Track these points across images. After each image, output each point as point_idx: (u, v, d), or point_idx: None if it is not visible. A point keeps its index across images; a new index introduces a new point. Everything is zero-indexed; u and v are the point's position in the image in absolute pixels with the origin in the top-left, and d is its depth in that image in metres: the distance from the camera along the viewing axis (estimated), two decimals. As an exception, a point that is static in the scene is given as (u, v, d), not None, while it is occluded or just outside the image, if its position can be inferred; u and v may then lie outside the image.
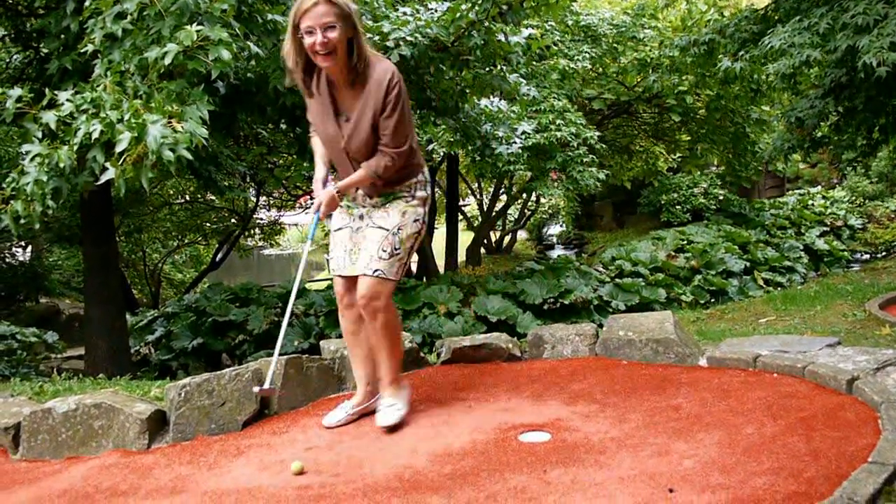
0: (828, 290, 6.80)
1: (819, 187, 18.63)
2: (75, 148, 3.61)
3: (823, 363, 3.46)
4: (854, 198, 16.95)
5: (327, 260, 3.30)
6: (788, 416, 2.93)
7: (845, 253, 14.39)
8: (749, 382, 3.40)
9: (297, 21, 2.90)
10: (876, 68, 5.13)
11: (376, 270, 3.13)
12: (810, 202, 16.54)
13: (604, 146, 12.15)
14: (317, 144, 3.29)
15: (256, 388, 3.17)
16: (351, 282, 3.26)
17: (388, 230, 3.17)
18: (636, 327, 4.01)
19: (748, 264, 11.88)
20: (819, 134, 8.05)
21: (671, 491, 2.39)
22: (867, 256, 15.06)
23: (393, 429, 3.16)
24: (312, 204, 3.18)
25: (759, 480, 2.38)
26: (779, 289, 10.60)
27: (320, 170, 3.25)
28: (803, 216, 15.32)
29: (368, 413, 3.34)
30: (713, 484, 2.40)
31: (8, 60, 7.99)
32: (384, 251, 3.14)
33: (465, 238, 16.73)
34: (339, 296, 3.34)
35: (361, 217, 3.26)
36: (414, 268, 14.71)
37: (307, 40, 2.90)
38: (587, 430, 3.01)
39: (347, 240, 3.28)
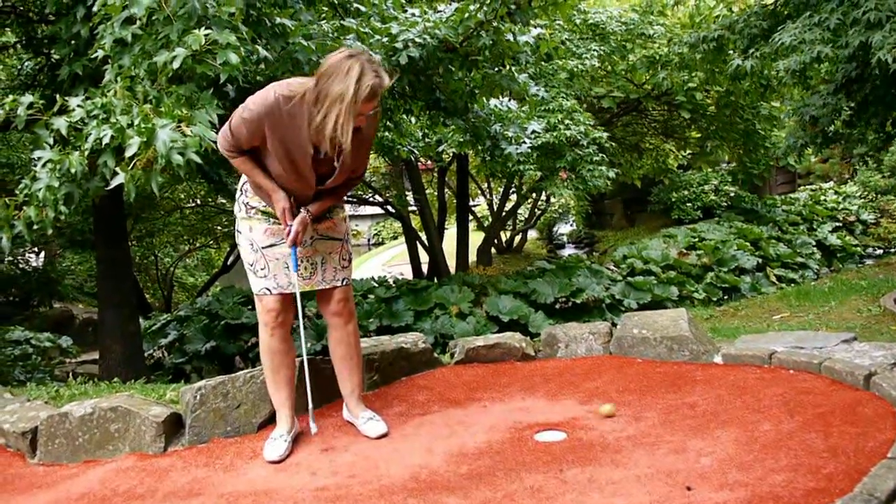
0: (842, 286, 6.76)
1: (831, 182, 18.53)
2: (86, 153, 3.63)
3: (840, 359, 3.44)
4: (866, 192, 16.84)
5: (252, 271, 3.08)
6: (805, 412, 2.90)
7: (858, 248, 14.32)
8: (765, 379, 3.38)
9: (368, 101, 2.70)
10: (890, 64, 5.10)
11: (345, 279, 3.24)
12: (822, 198, 16.45)
13: (614, 144, 12.12)
14: (256, 170, 2.96)
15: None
16: (290, 298, 3.16)
17: (341, 239, 3.22)
18: (650, 325, 3.99)
19: (760, 261, 11.84)
20: (831, 130, 8.01)
21: (689, 489, 2.37)
22: (880, 251, 14.97)
23: (385, 434, 3.16)
24: (288, 234, 2.99)
25: (778, 477, 2.37)
26: (792, 285, 10.55)
27: (283, 197, 2.97)
28: (815, 212, 15.24)
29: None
30: (731, 481, 2.38)
31: (19, 67, 8.04)
32: (344, 259, 3.25)
33: (475, 238, 16.72)
34: (273, 313, 3.12)
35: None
36: (424, 269, 14.73)
37: (353, 121, 2.69)
38: (603, 428, 3.00)
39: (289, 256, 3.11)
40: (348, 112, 2.65)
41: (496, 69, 6.39)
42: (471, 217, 17.30)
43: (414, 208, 15.82)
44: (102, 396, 3.68)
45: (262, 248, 3.11)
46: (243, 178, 3.13)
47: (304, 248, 3.13)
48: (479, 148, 8.89)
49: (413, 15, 5.76)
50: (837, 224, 15.26)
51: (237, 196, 3.17)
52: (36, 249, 14.55)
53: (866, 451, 2.48)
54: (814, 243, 13.48)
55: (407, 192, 16.54)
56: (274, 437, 3.11)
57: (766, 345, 3.90)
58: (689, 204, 15.51)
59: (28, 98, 3.75)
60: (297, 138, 2.84)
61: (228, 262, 16.27)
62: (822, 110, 6.89)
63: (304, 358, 3.16)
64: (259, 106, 2.80)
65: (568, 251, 19.82)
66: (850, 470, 2.35)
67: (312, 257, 3.17)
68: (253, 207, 3.11)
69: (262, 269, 3.12)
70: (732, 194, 15.58)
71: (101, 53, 3.91)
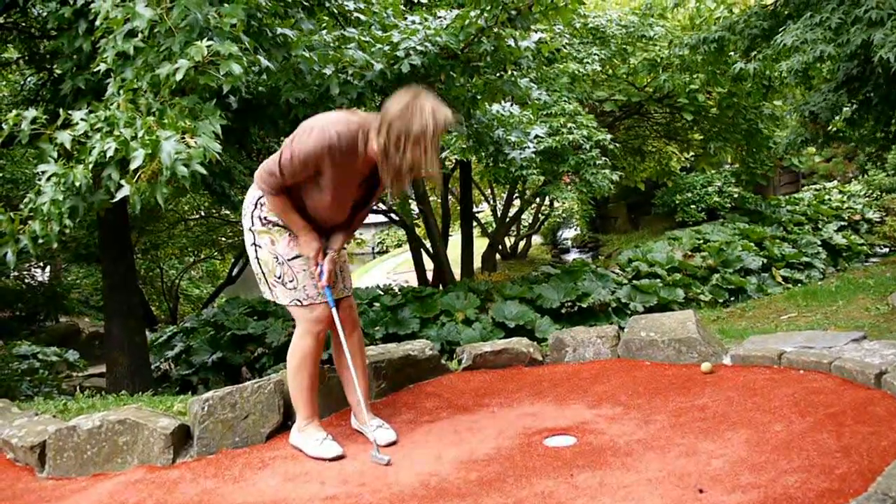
0: (848, 285, 6.73)
1: (835, 182, 18.47)
2: (90, 167, 3.63)
3: (850, 358, 3.42)
4: (871, 191, 16.79)
5: (279, 283, 3.06)
6: (817, 412, 2.89)
7: (864, 247, 14.25)
8: (775, 380, 3.36)
9: (441, 133, 2.83)
10: (892, 62, 5.09)
11: (350, 288, 3.38)
12: (827, 197, 16.39)
13: (617, 146, 12.11)
14: (289, 208, 3.04)
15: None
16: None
17: (336, 251, 3.26)
18: (658, 328, 3.98)
19: (765, 261, 11.80)
20: (833, 128, 7.99)
21: (701, 491, 2.36)
22: (886, 250, 14.91)
23: (395, 442, 3.17)
24: (320, 274, 3.09)
25: (791, 478, 2.35)
26: (798, 285, 10.52)
27: (315, 238, 3.09)
28: (820, 211, 15.19)
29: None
30: (744, 483, 2.37)
31: (22, 83, 8.08)
32: (347, 268, 3.39)
33: (479, 244, 16.71)
34: (324, 323, 3.16)
35: None
36: (430, 276, 14.71)
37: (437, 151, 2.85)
38: (612, 432, 2.99)
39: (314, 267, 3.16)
40: (433, 144, 2.80)
41: (498, 75, 6.39)
42: (475, 223, 17.29)
43: (418, 216, 15.82)
44: (110, 409, 3.67)
45: (288, 260, 3.13)
46: (257, 194, 3.13)
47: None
48: (482, 154, 8.89)
49: (413, 23, 5.76)
50: (843, 223, 15.19)
51: (250, 210, 3.16)
52: (42, 264, 14.58)
53: (879, 450, 2.46)
54: (819, 243, 13.42)
55: (410, 200, 16.55)
56: (319, 439, 3.11)
57: (774, 345, 3.88)
58: (692, 206, 15.46)
59: (32, 113, 3.76)
60: (350, 170, 2.96)
61: (234, 273, 16.28)
62: (822, 105, 6.88)
63: (352, 368, 3.21)
64: (320, 147, 2.86)
65: (572, 255, 19.78)
66: (864, 470, 2.33)
67: (333, 269, 3.22)
68: (270, 221, 3.13)
69: (290, 282, 3.14)
70: (736, 195, 15.53)
71: (103, 67, 3.92)
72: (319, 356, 3.21)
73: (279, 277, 3.14)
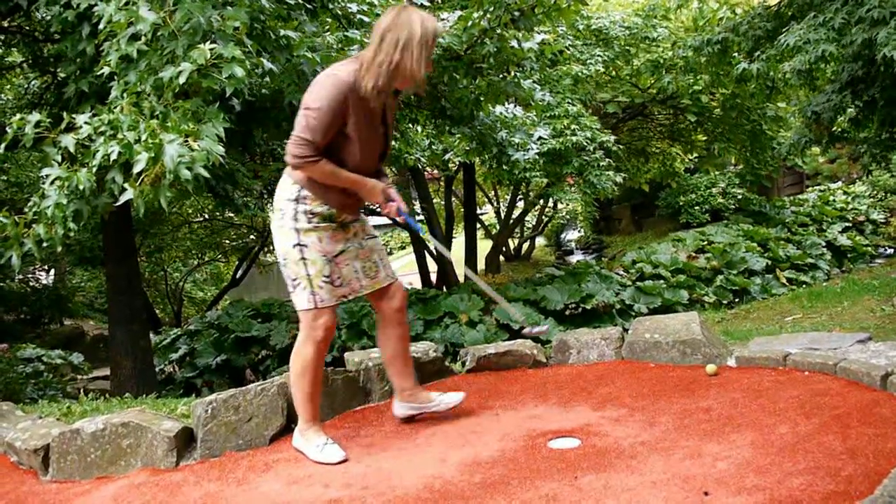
0: (853, 286, 6.72)
1: (839, 183, 18.43)
2: (94, 170, 3.63)
3: (855, 359, 3.41)
4: (875, 192, 16.75)
5: (328, 283, 3.04)
6: (822, 414, 2.88)
7: (869, 248, 14.20)
8: (780, 381, 3.35)
9: (432, 40, 2.94)
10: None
11: (396, 273, 3.34)
12: (831, 198, 16.35)
13: (621, 147, 12.10)
14: (331, 165, 2.99)
15: (526, 329, 3.39)
16: (377, 294, 3.26)
17: (377, 238, 3.30)
18: (662, 329, 3.97)
19: (770, 262, 11.77)
20: (838, 129, 7.97)
21: (706, 494, 2.35)
22: (891, 251, 14.87)
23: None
24: (392, 207, 3.13)
25: (796, 481, 2.34)
26: (803, 286, 10.49)
27: (371, 180, 3.08)
28: (824, 212, 15.15)
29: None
30: (749, 486, 2.36)
31: (26, 86, 8.10)
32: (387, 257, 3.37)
33: (483, 246, 16.71)
34: (332, 330, 3.15)
35: (356, 234, 3.19)
36: (433, 278, 14.72)
37: (426, 61, 2.93)
38: (617, 434, 2.98)
39: (355, 259, 3.16)
40: (421, 49, 2.88)
41: (501, 76, 6.39)
42: (478, 225, 17.29)
43: (421, 218, 15.82)
44: (114, 412, 3.67)
45: (334, 257, 3.09)
46: (295, 188, 3.03)
47: (361, 250, 3.19)
48: (486, 155, 8.89)
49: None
50: (847, 224, 15.14)
51: (291, 208, 3.04)
52: (46, 267, 14.62)
53: (885, 452, 2.45)
54: (824, 244, 13.38)
55: (414, 202, 16.55)
56: (319, 444, 3.10)
57: (779, 347, 3.87)
58: (696, 207, 15.44)
59: (35, 116, 3.76)
60: (368, 111, 2.98)
61: (237, 276, 16.29)
62: (825, 106, 6.86)
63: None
64: (334, 90, 2.88)
65: (576, 257, 19.76)
66: (870, 472, 2.32)
67: (371, 257, 3.22)
68: (316, 214, 3.03)
69: (338, 279, 3.11)
70: (740, 197, 15.51)
71: (106, 70, 3.91)
72: (322, 362, 3.17)
73: (328, 276, 3.07)
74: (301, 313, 3.12)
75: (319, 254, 3.05)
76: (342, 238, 3.12)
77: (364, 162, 3.05)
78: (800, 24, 5.98)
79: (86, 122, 3.70)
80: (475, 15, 5.56)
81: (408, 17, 2.89)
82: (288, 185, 3.05)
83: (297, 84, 5.08)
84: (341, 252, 3.11)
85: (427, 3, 6.94)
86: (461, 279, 13.15)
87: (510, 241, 19.58)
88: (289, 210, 3.03)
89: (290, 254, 3.06)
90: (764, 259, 11.70)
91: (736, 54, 8.15)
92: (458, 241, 16.60)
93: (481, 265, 15.68)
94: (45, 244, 3.78)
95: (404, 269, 21.61)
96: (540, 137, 9.16)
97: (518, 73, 6.60)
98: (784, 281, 11.40)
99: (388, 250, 30.05)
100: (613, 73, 13.21)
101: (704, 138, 14.79)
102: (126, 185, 3.56)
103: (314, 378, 3.15)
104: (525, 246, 20.67)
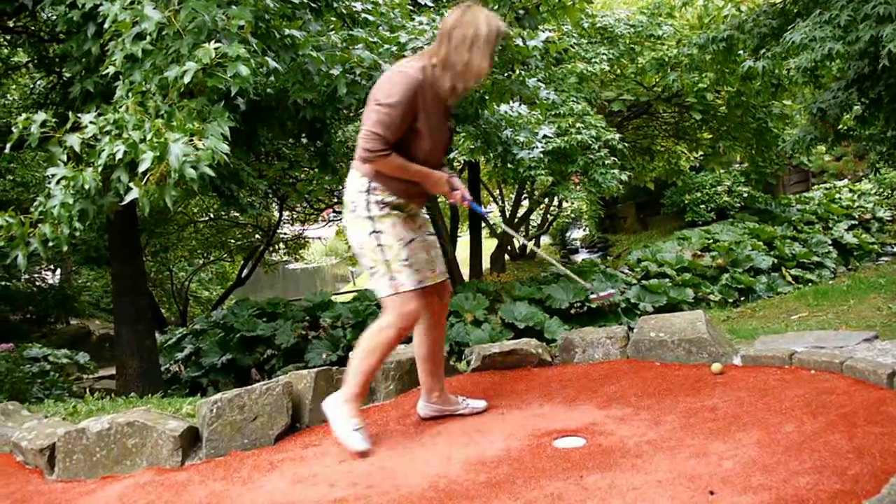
0: (860, 284, 6.69)
1: (845, 180, 18.38)
2: (100, 169, 3.64)
3: (862, 358, 3.39)
4: (882, 190, 16.70)
5: (407, 266, 3.11)
6: (829, 412, 2.86)
7: (875, 246, 14.18)
8: (786, 380, 3.33)
9: (495, 39, 3.01)
10: (901, 55, 5.06)
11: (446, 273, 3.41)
12: (837, 196, 16.31)
13: (626, 146, 12.08)
14: (401, 159, 3.05)
15: (593, 295, 3.49)
16: (431, 289, 3.28)
17: (435, 235, 3.37)
18: (667, 328, 3.96)
19: (775, 261, 11.75)
20: (844, 127, 7.94)
21: (712, 493, 2.34)
22: (898, 249, 14.83)
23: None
24: (458, 195, 3.23)
25: (803, 480, 2.33)
26: (809, 285, 10.46)
27: (430, 170, 3.15)
28: (830, 210, 15.12)
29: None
30: (755, 485, 2.35)
31: (32, 86, 8.12)
32: None
33: (488, 245, 16.70)
34: (412, 320, 3.15)
35: (420, 227, 3.28)
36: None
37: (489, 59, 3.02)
38: (622, 433, 2.97)
39: (421, 250, 3.23)
40: (487, 47, 2.97)
41: (506, 74, 6.38)
42: (483, 224, 17.29)
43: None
44: (119, 411, 3.68)
45: (408, 243, 3.14)
46: (364, 181, 3.10)
47: (425, 243, 3.25)
48: (491, 154, 8.88)
49: (421, 23, 5.76)
50: (853, 222, 15.11)
51: (363, 199, 3.10)
52: (52, 267, 14.66)
53: (892, 451, 2.44)
54: (830, 242, 13.36)
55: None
56: (352, 425, 3.11)
57: (785, 345, 3.86)
58: (702, 206, 15.42)
59: (41, 116, 3.77)
60: (436, 107, 3.07)
61: (243, 275, 16.31)
62: (831, 102, 6.83)
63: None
64: (406, 87, 2.95)
65: (581, 256, 19.77)
66: (877, 471, 2.31)
67: (430, 252, 3.28)
68: (387, 203, 3.10)
69: (415, 263, 3.15)
70: (746, 195, 15.47)
71: (112, 70, 3.92)
72: (394, 348, 3.22)
73: (406, 259, 3.11)
74: (386, 300, 3.13)
75: (395, 238, 3.10)
76: (412, 227, 3.21)
77: (432, 155, 3.14)
78: (805, 21, 5.96)
79: (91, 122, 3.71)
80: (480, 13, 5.55)
81: (473, 16, 2.97)
82: (357, 178, 3.13)
83: (302, 83, 5.08)
84: (412, 240, 3.18)
85: (430, 3, 6.95)
86: (466, 278, 13.15)
87: (515, 239, 19.56)
88: (361, 201, 3.11)
89: (366, 243, 3.12)
90: (770, 257, 11.68)
91: (741, 52, 8.13)
92: (464, 240, 16.59)
93: (486, 264, 15.67)
94: (50, 244, 3.79)
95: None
96: (545, 136, 9.13)
97: (523, 72, 6.57)
98: (790, 279, 11.38)
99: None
100: (618, 71, 13.19)
101: (710, 136, 14.76)
102: (131, 185, 3.57)
103: (380, 360, 3.19)
104: (530, 244, 20.65)
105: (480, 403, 3.45)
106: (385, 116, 2.94)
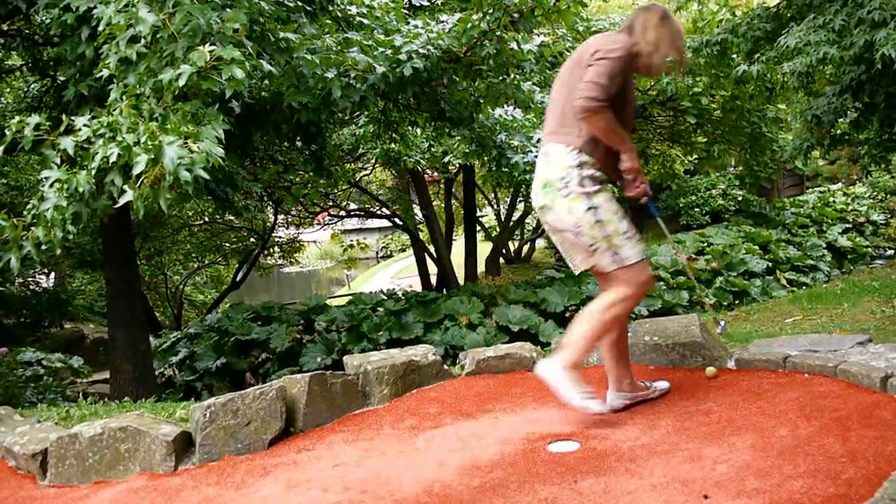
0: (854, 288, 6.69)
1: (839, 184, 18.43)
2: (93, 172, 3.62)
3: (855, 361, 3.39)
4: (875, 193, 16.75)
5: (628, 239, 3.12)
6: (822, 416, 2.87)
7: (869, 249, 14.20)
8: (780, 384, 3.34)
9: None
10: (895, 58, 5.07)
11: None
12: (831, 199, 16.35)
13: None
14: (616, 123, 3.08)
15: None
16: None
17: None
18: (662, 332, 3.96)
19: (770, 264, 11.76)
20: (838, 131, 7.96)
21: (706, 497, 2.34)
22: (891, 252, 14.86)
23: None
24: (644, 186, 3.26)
25: (796, 483, 2.33)
26: (803, 288, 10.47)
27: (636, 151, 3.21)
28: (824, 214, 15.15)
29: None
30: (749, 489, 2.35)
31: (26, 90, 8.10)
32: None
33: (483, 249, 16.69)
34: (648, 286, 3.20)
35: None
36: (433, 280, 14.71)
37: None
38: (616, 437, 2.97)
39: (631, 223, 3.20)
40: (674, 42, 3.17)
41: (500, 78, 6.39)
42: (478, 228, 17.29)
43: (421, 220, 15.83)
44: (112, 416, 3.67)
45: (623, 216, 3.13)
46: (573, 154, 3.09)
47: (628, 218, 3.22)
48: (485, 158, 8.88)
49: (416, 27, 5.76)
50: (847, 225, 15.14)
51: (576, 175, 3.07)
52: (46, 270, 14.61)
53: (886, 454, 2.44)
54: (824, 245, 13.38)
55: (414, 205, 16.54)
56: (584, 392, 3.08)
57: (779, 349, 3.86)
58: (696, 209, 15.44)
59: (35, 119, 3.75)
60: (630, 81, 3.18)
61: (238, 279, 16.28)
62: (826, 108, 6.84)
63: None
64: (626, 45, 3.07)
65: (577, 259, 19.70)
66: (871, 475, 2.31)
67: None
68: (597, 178, 3.09)
69: (634, 236, 3.13)
70: (740, 198, 15.50)
71: (106, 73, 3.91)
72: (626, 319, 3.26)
73: (626, 233, 3.09)
74: (615, 273, 3.10)
75: (611, 212, 3.08)
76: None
77: (626, 126, 3.16)
78: (800, 25, 5.97)
79: (85, 125, 3.70)
80: (475, 17, 5.56)
81: (666, 13, 3.17)
82: (565, 153, 3.11)
83: (297, 86, 5.08)
84: (624, 214, 3.16)
85: (426, 3, 6.96)
86: (461, 282, 13.15)
87: (510, 243, 19.56)
88: (573, 176, 3.08)
89: (583, 219, 3.07)
90: (764, 261, 11.68)
91: (735, 56, 8.14)
92: (459, 244, 16.59)
93: (481, 268, 15.66)
94: (44, 247, 3.77)
95: (405, 272, 21.63)
96: (539, 140, 9.13)
97: (518, 76, 6.59)
98: (784, 282, 11.39)
99: (388, 253, 30.08)
100: (613, 75, 13.17)
101: (704, 140, 14.77)
102: (125, 188, 3.55)
103: (609, 329, 3.17)
104: (525, 248, 20.65)
105: (664, 384, 3.45)
106: (608, 69, 2.97)
